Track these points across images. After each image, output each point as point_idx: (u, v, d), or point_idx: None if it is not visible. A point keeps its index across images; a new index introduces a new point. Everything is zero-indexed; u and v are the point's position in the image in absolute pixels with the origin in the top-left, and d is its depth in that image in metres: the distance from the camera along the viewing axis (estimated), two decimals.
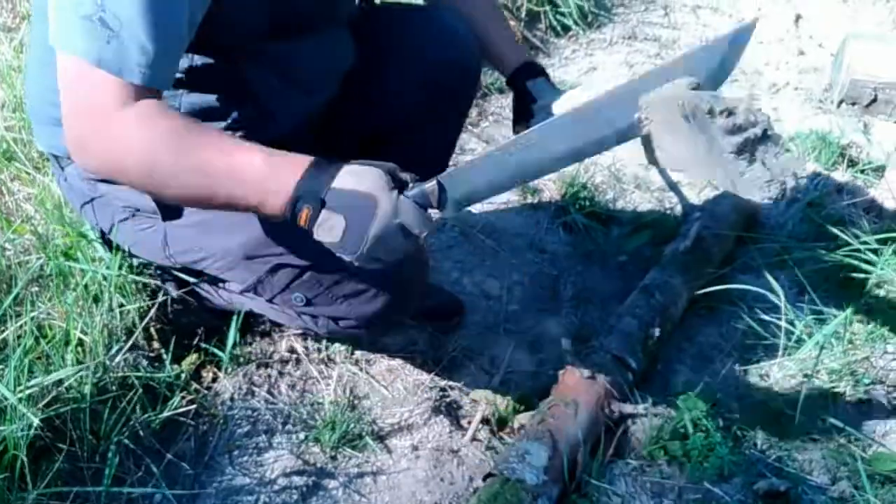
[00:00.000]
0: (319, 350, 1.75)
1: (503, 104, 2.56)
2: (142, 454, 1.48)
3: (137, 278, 1.60)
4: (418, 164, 1.69)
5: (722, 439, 1.57)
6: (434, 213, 1.15)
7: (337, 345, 1.76)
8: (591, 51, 2.96)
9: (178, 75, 1.26)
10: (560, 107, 1.48)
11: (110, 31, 1.05)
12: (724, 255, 2.08)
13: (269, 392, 1.67)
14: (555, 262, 2.11)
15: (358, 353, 1.77)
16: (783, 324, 1.75)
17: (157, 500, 1.45)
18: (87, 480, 1.41)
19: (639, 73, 1.63)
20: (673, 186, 2.36)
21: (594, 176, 2.36)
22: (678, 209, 2.27)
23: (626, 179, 2.39)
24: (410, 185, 1.15)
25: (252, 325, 1.75)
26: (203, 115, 1.32)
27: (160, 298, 1.60)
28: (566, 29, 2.99)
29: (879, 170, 2.39)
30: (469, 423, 1.68)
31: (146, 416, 1.50)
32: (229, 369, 1.67)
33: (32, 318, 1.46)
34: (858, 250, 1.83)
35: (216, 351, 1.65)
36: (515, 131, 1.59)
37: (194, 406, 1.57)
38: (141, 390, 1.50)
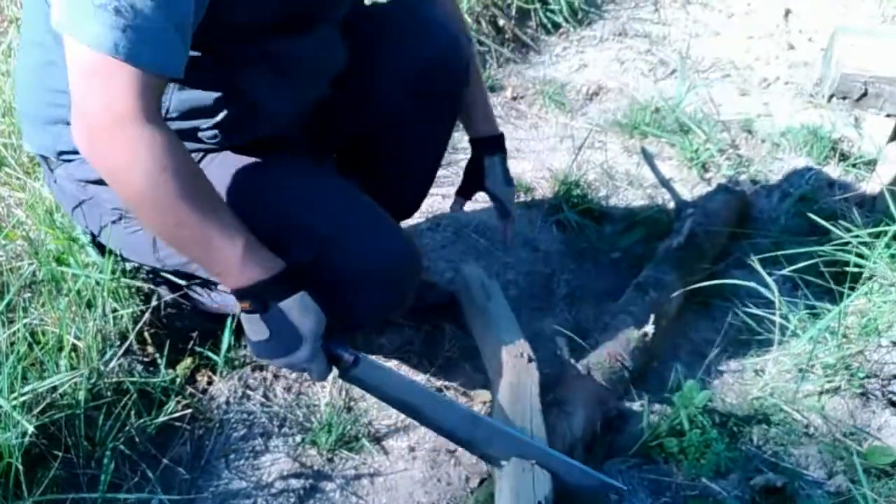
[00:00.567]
0: None
1: (494, 102, 2.55)
2: (138, 460, 1.48)
3: (130, 283, 1.59)
4: (411, 162, 1.70)
5: (718, 435, 1.58)
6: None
7: None
8: (582, 48, 2.96)
9: None
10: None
11: (125, 19, 1.06)
12: (718, 250, 2.08)
13: (264, 395, 1.66)
14: (548, 261, 2.11)
15: None
16: (777, 319, 1.75)
17: None
18: (83, 487, 1.41)
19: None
20: (665, 183, 2.36)
21: (587, 173, 2.36)
22: (671, 206, 2.27)
23: (619, 176, 2.39)
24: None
25: None
26: (194, 112, 1.32)
27: (154, 303, 1.60)
28: (556, 26, 2.99)
29: (871, 163, 2.40)
30: None
31: (141, 421, 1.50)
32: (224, 373, 1.66)
33: (25, 325, 1.45)
34: (851, 244, 1.83)
35: (211, 354, 1.65)
36: (456, 198, 1.82)
37: (190, 410, 1.57)
38: (136, 395, 1.50)
